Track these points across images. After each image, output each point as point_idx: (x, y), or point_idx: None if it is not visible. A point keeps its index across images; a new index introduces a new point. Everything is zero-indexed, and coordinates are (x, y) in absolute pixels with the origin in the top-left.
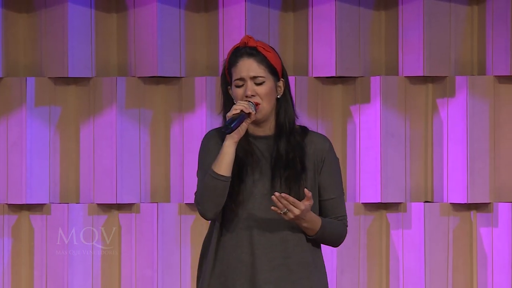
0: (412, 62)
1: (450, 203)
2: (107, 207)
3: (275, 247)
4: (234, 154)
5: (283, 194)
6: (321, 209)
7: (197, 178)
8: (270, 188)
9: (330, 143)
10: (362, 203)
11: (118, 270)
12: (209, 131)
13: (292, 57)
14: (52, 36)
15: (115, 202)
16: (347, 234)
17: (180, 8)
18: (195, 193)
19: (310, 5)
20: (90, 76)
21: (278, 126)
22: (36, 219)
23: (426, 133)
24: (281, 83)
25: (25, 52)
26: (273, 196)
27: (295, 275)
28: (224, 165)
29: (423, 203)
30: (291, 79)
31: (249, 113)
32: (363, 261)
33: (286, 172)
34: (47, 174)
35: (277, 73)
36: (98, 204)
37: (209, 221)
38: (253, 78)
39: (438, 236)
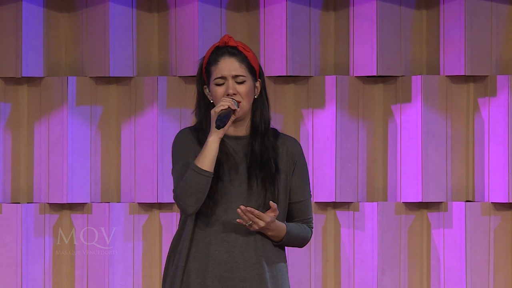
0: (454, 62)
1: (492, 202)
2: (148, 206)
3: (250, 246)
4: (218, 150)
5: (248, 208)
6: (289, 211)
7: (172, 176)
8: (247, 188)
9: (301, 146)
10: (403, 202)
11: (159, 269)
12: (182, 129)
13: (333, 56)
14: (94, 35)
15: (156, 201)
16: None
17: (221, 7)
18: (173, 190)
19: (351, 4)
20: (131, 76)
21: (254, 126)
22: (77, 218)
23: (467, 132)
24: (258, 84)
25: (66, 51)
26: (238, 209)
27: (266, 274)
28: (208, 160)
29: (464, 203)
30: (332, 78)
31: (234, 110)
32: (404, 260)
33: (262, 173)
34: (88, 173)
35: (256, 73)
36: (139, 203)
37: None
38: (235, 77)
39: (479, 235)
